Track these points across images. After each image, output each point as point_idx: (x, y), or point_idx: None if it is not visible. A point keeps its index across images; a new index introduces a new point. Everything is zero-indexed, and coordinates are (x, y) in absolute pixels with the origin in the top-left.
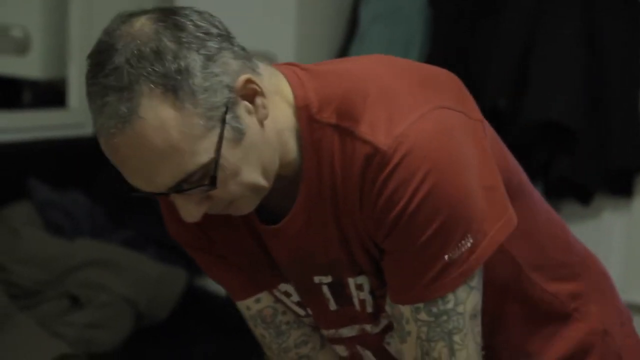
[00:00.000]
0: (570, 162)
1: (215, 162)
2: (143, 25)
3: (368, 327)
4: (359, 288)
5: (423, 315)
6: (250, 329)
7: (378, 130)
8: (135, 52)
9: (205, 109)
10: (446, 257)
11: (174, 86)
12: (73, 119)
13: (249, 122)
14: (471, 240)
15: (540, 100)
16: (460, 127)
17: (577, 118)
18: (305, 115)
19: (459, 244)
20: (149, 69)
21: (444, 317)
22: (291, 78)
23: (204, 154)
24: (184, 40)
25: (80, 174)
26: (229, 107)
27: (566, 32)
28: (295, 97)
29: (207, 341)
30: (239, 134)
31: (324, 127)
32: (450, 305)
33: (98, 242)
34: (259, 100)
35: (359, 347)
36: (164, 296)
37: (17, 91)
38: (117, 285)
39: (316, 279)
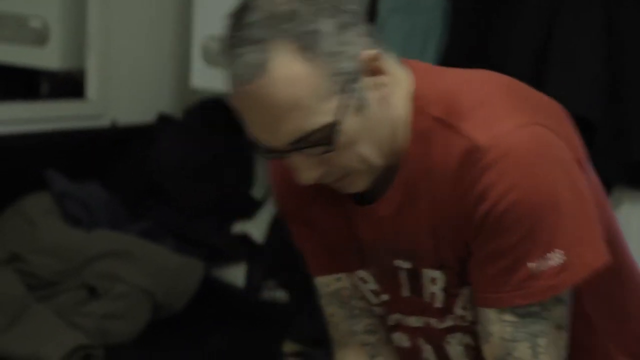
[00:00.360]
0: (588, 155)
1: (335, 124)
2: None
3: (433, 322)
4: (432, 281)
5: (508, 316)
6: (322, 307)
7: (479, 129)
8: (272, 10)
9: (332, 72)
10: (529, 265)
11: (306, 45)
12: (91, 110)
13: (371, 96)
14: (563, 257)
15: (558, 92)
16: (558, 149)
17: (596, 110)
18: (418, 106)
19: (545, 256)
20: (284, 26)
21: (530, 319)
22: (410, 69)
23: (326, 115)
24: (319, 6)
25: (98, 165)
26: (354, 76)
27: (585, 24)
28: (412, 87)
29: (224, 332)
30: (361, 105)
31: (431, 120)
32: (536, 309)
33: (115, 233)
34: (382, 78)
35: (421, 340)
36: (181, 287)
37: (35, 82)
38: (134, 276)
39: (396, 263)
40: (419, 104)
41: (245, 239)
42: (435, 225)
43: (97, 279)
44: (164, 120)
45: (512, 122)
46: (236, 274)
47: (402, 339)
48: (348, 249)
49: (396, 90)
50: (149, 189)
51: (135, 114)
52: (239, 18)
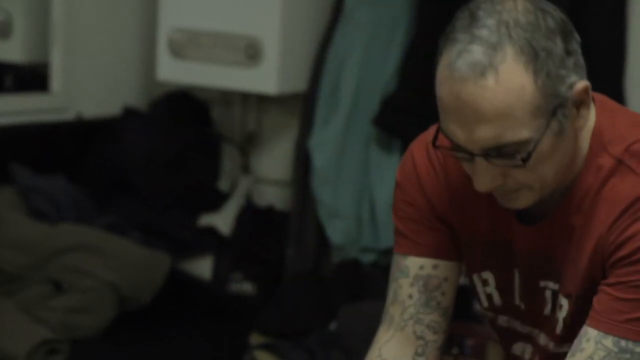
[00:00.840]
0: None
1: (535, 142)
2: (520, 1)
3: (551, 345)
4: (559, 308)
5: (608, 343)
6: (392, 285)
7: None
8: (514, 18)
9: (549, 93)
10: None
11: (536, 59)
12: (56, 103)
13: (568, 125)
14: None
15: None
16: None
17: None
18: (598, 142)
19: None
20: (522, 36)
21: (627, 356)
22: (597, 104)
23: (530, 131)
24: (555, 26)
25: (63, 159)
26: (565, 102)
27: None
28: (596, 121)
29: (190, 325)
30: (560, 131)
31: (610, 158)
32: (636, 349)
33: (81, 227)
34: (584, 111)
35: (538, 358)
36: (147, 281)
37: None
38: (100, 270)
39: (542, 283)
40: (599, 139)
41: (211, 231)
42: (583, 254)
43: (63, 273)
44: (129, 113)
45: None
46: (203, 267)
47: (525, 351)
48: (481, 253)
49: (586, 123)
50: (115, 182)
51: (101, 107)
52: (477, 16)
